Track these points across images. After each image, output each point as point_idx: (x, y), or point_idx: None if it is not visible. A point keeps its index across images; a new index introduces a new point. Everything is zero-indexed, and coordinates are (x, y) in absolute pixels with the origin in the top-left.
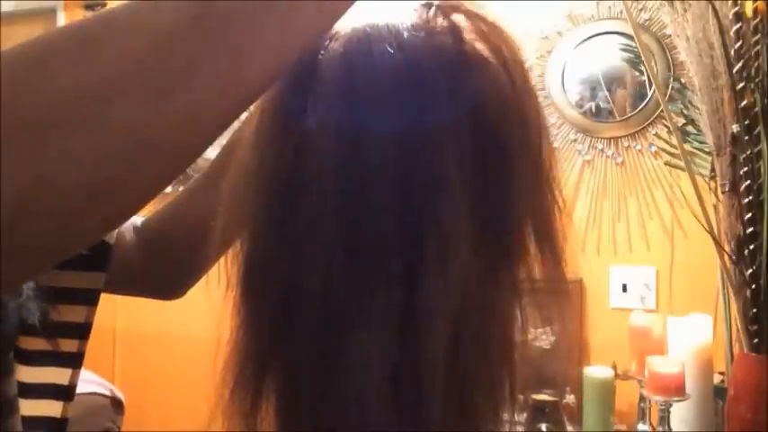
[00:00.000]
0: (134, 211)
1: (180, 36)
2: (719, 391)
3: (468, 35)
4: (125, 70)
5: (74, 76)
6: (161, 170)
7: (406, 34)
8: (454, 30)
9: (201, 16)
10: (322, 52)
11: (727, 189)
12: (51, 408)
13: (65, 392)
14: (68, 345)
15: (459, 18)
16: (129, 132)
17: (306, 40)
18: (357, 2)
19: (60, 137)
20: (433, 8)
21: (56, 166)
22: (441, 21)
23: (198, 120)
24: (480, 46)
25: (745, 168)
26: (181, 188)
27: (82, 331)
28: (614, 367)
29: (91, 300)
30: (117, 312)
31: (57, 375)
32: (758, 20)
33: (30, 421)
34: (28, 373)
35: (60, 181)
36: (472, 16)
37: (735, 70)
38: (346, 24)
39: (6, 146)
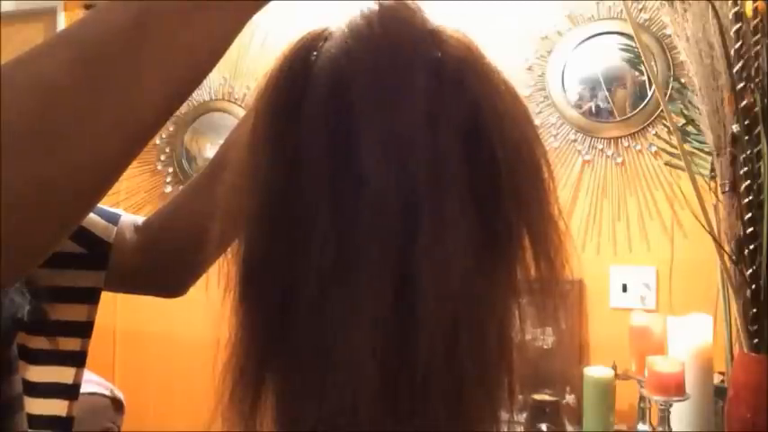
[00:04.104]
0: (46, 253)
1: (65, 85)
2: (719, 391)
3: (455, 43)
4: (14, 127)
5: None
6: (66, 212)
7: (399, 34)
8: (444, 35)
9: (83, 61)
10: (314, 53)
11: (727, 189)
12: (57, 406)
13: (69, 391)
14: (71, 343)
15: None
16: (26, 182)
17: (196, 61)
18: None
19: None
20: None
21: None
22: (426, 25)
23: (96, 161)
24: (468, 54)
25: (745, 168)
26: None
27: (84, 330)
28: (614, 367)
29: (92, 298)
30: (117, 312)
31: (61, 374)
32: (758, 20)
33: (37, 420)
34: (33, 372)
35: None
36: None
37: (735, 70)
38: (339, 24)
39: None
